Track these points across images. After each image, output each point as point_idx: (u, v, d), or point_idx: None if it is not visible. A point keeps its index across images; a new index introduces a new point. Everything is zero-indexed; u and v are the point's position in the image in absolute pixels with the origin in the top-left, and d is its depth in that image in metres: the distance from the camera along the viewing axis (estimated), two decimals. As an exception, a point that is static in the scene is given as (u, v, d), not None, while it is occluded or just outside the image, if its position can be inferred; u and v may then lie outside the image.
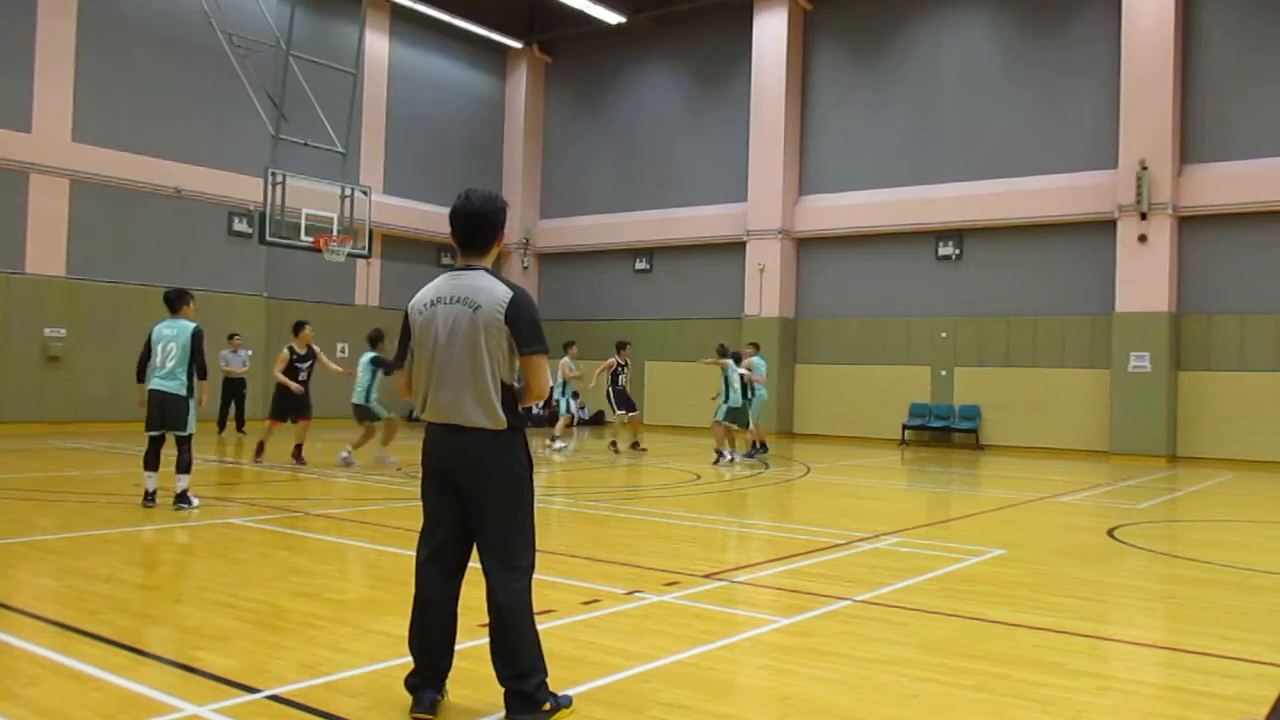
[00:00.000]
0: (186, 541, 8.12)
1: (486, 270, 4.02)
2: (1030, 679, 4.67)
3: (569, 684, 4.35)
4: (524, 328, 3.89)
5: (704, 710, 4.10)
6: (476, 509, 3.95)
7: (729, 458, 15.99)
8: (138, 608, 5.69)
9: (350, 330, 23.09)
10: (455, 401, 3.91)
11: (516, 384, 3.98)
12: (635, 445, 18.27)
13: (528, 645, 3.93)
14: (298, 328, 14.35)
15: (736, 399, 15.90)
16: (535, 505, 4.08)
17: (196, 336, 9.26)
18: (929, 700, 4.34)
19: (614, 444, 17.67)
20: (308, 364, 14.18)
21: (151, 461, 9.33)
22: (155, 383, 9.20)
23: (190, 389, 9.28)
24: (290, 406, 13.99)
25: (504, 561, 3.94)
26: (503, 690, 3.95)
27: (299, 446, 13.91)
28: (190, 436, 9.34)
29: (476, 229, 4.02)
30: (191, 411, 9.34)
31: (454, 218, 4.02)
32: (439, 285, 4.02)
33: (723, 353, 16.29)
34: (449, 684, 4.11)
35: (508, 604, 3.91)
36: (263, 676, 4.36)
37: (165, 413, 9.17)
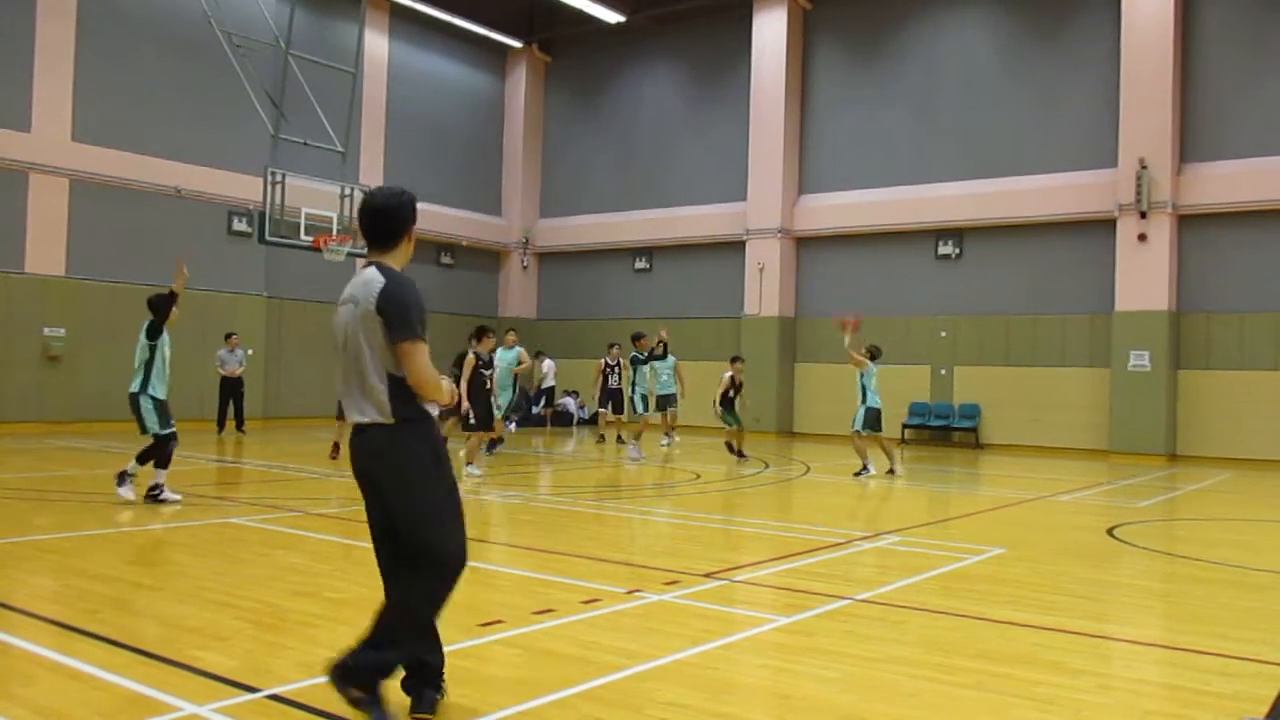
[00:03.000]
0: (186, 541, 8.12)
1: (380, 265, 3.96)
2: (1030, 678, 4.66)
3: (569, 683, 4.35)
4: (393, 316, 3.78)
5: (704, 709, 4.10)
6: (384, 506, 3.90)
7: (871, 470, 14.24)
8: (138, 607, 5.69)
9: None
10: (351, 399, 3.88)
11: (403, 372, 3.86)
12: (620, 440, 18.19)
13: (411, 639, 3.84)
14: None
15: (875, 401, 14.43)
16: (457, 499, 3.94)
17: (148, 325, 9.35)
18: (929, 699, 4.34)
19: (601, 437, 17.84)
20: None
21: (160, 460, 9.55)
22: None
23: (144, 384, 9.34)
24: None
25: (411, 559, 3.86)
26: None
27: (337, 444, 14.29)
28: (160, 436, 9.36)
29: (380, 224, 3.99)
30: (144, 409, 9.34)
31: (359, 213, 4.02)
32: (349, 285, 4.00)
33: (874, 354, 14.78)
34: (447, 683, 4.07)
35: (397, 601, 3.87)
36: (263, 676, 4.36)
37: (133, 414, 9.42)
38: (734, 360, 17.08)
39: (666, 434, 18.49)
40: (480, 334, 13.24)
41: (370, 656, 3.79)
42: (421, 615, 3.87)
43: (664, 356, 17.68)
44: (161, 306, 9.38)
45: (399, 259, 4.06)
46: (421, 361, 3.80)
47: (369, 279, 3.90)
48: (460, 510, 3.96)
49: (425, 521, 3.84)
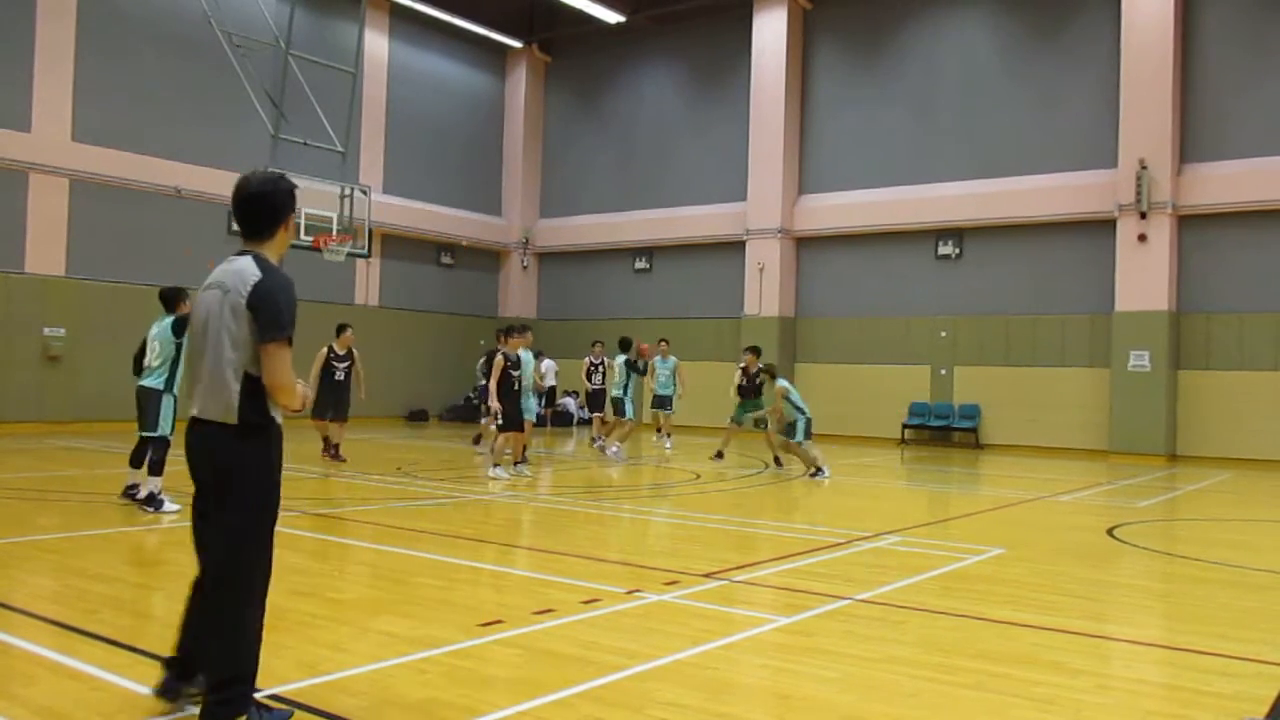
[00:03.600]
0: (186, 541, 8.10)
1: (254, 254, 3.76)
2: (1030, 678, 4.66)
3: (569, 683, 4.35)
4: (264, 314, 3.58)
5: (704, 709, 4.10)
6: (209, 506, 3.73)
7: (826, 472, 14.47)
8: (138, 607, 5.70)
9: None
10: (199, 392, 3.71)
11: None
12: (594, 441, 17.61)
13: (226, 648, 3.62)
14: (340, 329, 14.46)
15: (807, 409, 14.68)
16: (274, 519, 3.79)
17: (175, 321, 9.06)
18: (928, 699, 4.34)
19: (595, 439, 17.46)
20: (345, 365, 14.24)
21: (136, 459, 9.32)
22: (146, 379, 9.17)
23: (170, 382, 9.13)
24: (328, 404, 13.95)
25: (225, 560, 3.68)
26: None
27: (336, 446, 14.09)
28: (160, 439, 9.05)
29: (254, 212, 3.80)
30: (163, 409, 9.08)
31: (232, 200, 3.82)
32: (215, 270, 3.82)
33: (772, 373, 15.28)
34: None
35: (216, 601, 3.68)
36: (263, 676, 4.33)
37: (140, 409, 9.12)
38: (748, 351, 16.81)
39: (666, 435, 18.36)
40: (509, 333, 13.32)
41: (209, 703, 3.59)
42: (229, 624, 3.65)
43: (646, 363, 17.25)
44: (179, 299, 9.22)
45: (274, 249, 3.85)
46: (282, 365, 3.62)
47: (242, 269, 3.69)
48: (272, 534, 3.79)
49: (246, 533, 3.69)
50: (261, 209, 3.81)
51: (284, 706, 3.86)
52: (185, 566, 7.08)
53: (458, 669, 4.56)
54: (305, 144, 17.89)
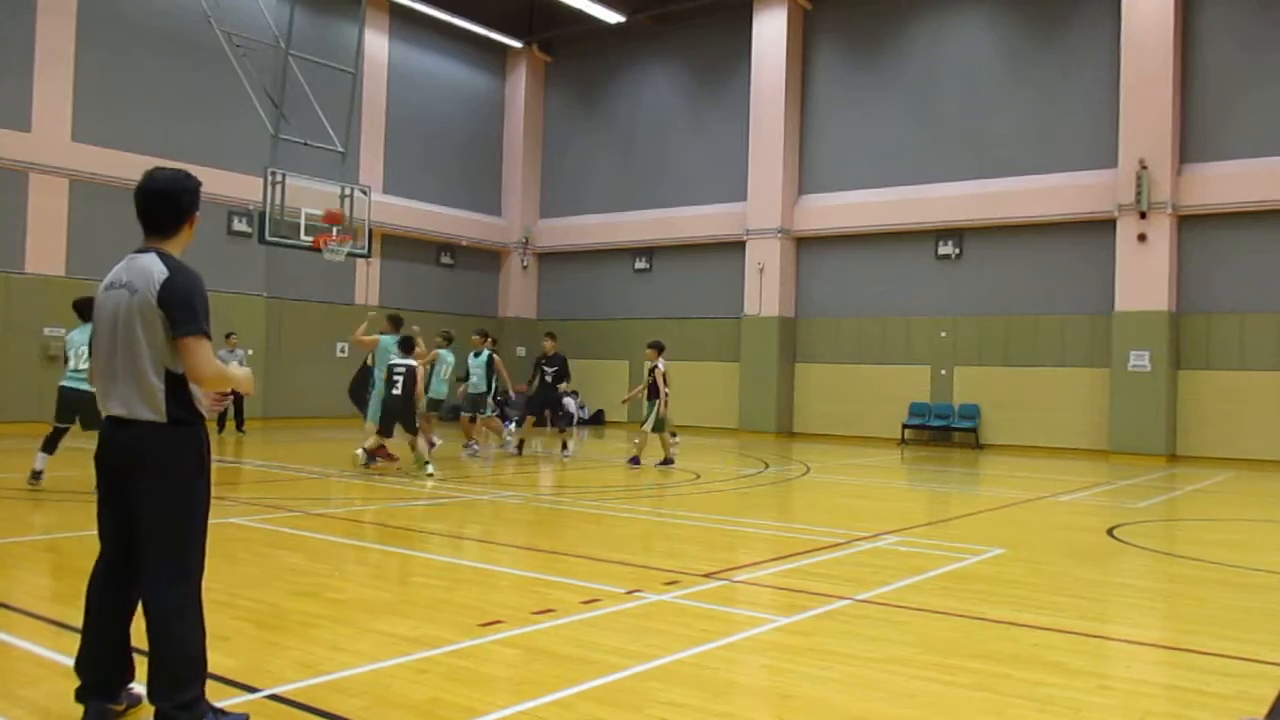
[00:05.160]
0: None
1: (159, 252, 3.69)
2: (1030, 678, 4.66)
3: (569, 683, 4.35)
4: (176, 309, 3.56)
5: (704, 709, 4.10)
6: (136, 507, 3.66)
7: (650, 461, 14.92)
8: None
9: (349, 330, 23.06)
10: (117, 392, 3.65)
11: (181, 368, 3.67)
12: (521, 446, 16.70)
13: (176, 658, 3.58)
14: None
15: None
16: (208, 508, 3.77)
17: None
18: (928, 699, 4.34)
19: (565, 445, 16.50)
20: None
21: (50, 446, 10.19)
22: (72, 381, 9.98)
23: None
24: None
25: (158, 563, 3.62)
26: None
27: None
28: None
29: (158, 208, 3.74)
30: None
31: (135, 195, 3.75)
32: (114, 269, 3.78)
33: (450, 339, 15.67)
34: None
35: (156, 610, 3.60)
36: (262, 676, 4.36)
37: (83, 410, 9.67)
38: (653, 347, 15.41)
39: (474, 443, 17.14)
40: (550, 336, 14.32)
41: (165, 710, 3.53)
42: (184, 620, 3.63)
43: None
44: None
45: (177, 246, 3.79)
46: (204, 356, 3.59)
47: (148, 266, 3.63)
48: (206, 531, 3.77)
49: (182, 531, 3.65)
50: (170, 205, 3.75)
51: (240, 712, 3.80)
52: (185, 566, 7.10)
53: (457, 669, 4.55)
54: (305, 144, 17.89)
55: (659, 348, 15.34)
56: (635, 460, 14.96)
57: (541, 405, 17.00)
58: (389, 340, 13.87)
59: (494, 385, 16.11)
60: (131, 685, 3.85)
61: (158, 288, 3.57)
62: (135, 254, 3.73)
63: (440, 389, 15.58)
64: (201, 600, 3.72)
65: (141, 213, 3.75)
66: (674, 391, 17.73)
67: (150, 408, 3.61)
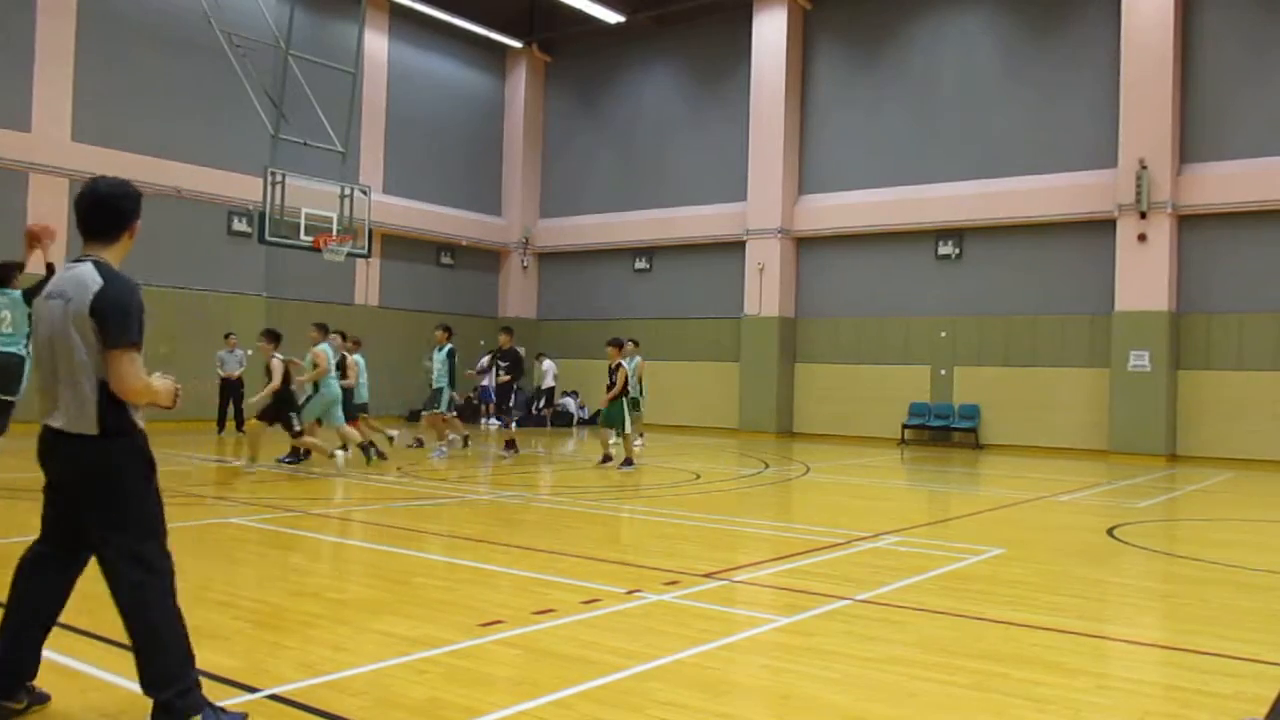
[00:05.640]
0: (185, 541, 8.11)
1: (95, 261, 3.65)
2: (1029, 678, 4.67)
3: (569, 683, 4.35)
4: (110, 321, 3.52)
5: (704, 709, 4.10)
6: (81, 518, 3.67)
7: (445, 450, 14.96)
8: (137, 607, 5.68)
9: (349, 330, 23.02)
10: (55, 404, 3.64)
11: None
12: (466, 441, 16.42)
13: (159, 651, 3.61)
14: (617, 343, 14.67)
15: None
16: (162, 507, 3.76)
17: (26, 296, 9.68)
18: (928, 699, 4.34)
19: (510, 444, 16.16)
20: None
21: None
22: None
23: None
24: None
25: (118, 562, 3.64)
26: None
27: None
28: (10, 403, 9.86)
29: (102, 215, 3.73)
30: (27, 373, 9.77)
31: (77, 203, 3.73)
32: (54, 278, 3.76)
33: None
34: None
35: (130, 606, 3.63)
36: (262, 676, 4.36)
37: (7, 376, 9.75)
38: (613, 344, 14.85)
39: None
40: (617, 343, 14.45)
41: (163, 699, 3.56)
42: (159, 612, 3.65)
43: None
44: (9, 274, 10.34)
45: (116, 255, 3.76)
46: (132, 370, 3.55)
47: (83, 276, 3.59)
48: (165, 528, 3.77)
49: (137, 534, 3.65)
50: (110, 214, 3.75)
51: (239, 711, 3.81)
52: (185, 566, 7.08)
53: (457, 669, 4.56)
54: (305, 144, 17.90)
55: (618, 344, 14.74)
56: (628, 462, 14.50)
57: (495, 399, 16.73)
58: (324, 346, 13.65)
59: (455, 381, 15.60)
60: (32, 685, 3.84)
61: (91, 298, 3.54)
62: (72, 263, 3.72)
63: (362, 393, 15.54)
64: (174, 588, 3.73)
65: (83, 220, 3.74)
66: (673, 391, 17.76)
67: (85, 421, 3.60)
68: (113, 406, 3.61)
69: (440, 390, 15.44)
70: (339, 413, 13.64)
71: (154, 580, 3.67)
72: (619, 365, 14.54)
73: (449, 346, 15.54)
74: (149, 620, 3.63)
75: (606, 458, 14.73)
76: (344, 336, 15.69)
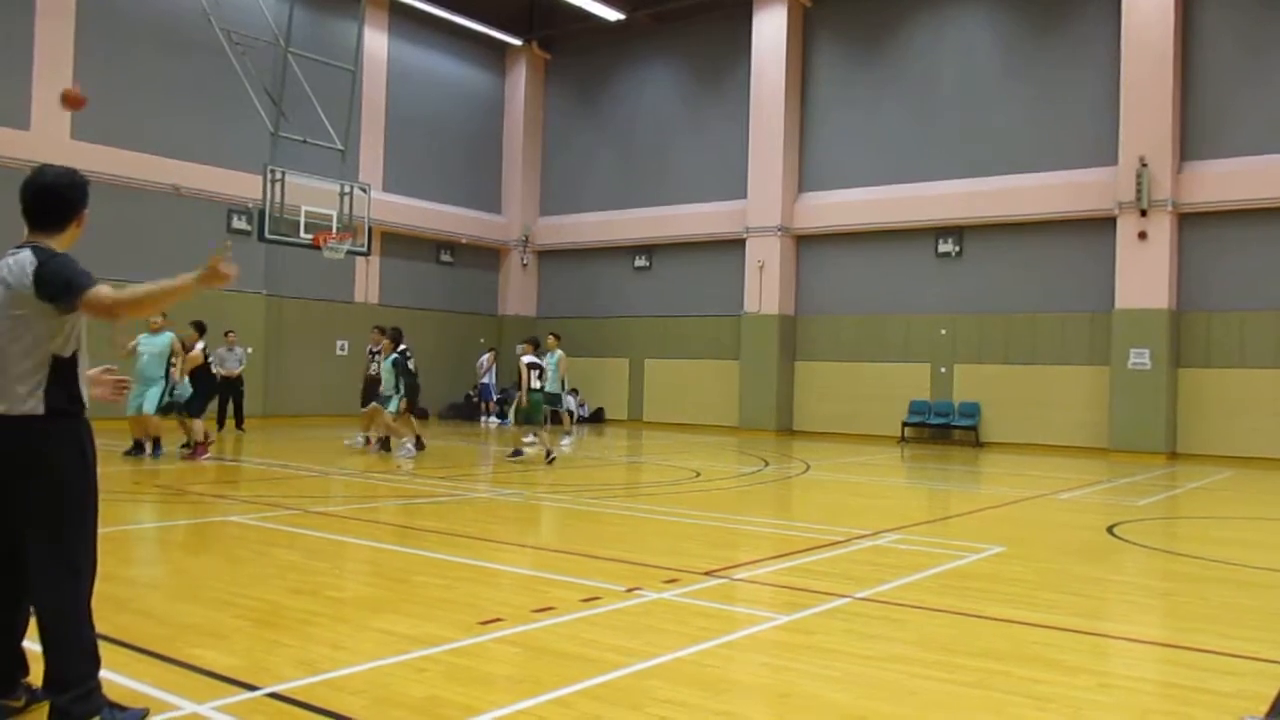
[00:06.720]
0: (185, 539, 8.12)
1: (35, 246, 3.64)
2: (1029, 676, 4.66)
3: (568, 681, 4.35)
4: (57, 287, 3.51)
5: (703, 707, 4.10)
6: (20, 504, 3.57)
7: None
8: (136, 606, 5.68)
9: (349, 328, 23.10)
10: None
11: (70, 350, 3.68)
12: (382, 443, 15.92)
13: (68, 653, 3.55)
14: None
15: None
16: (96, 504, 3.70)
17: None
18: (928, 697, 4.34)
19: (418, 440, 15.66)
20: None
21: None
22: None
23: None
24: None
25: (46, 564, 3.56)
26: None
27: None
28: None
29: (48, 204, 3.73)
30: None
31: (23, 190, 3.71)
32: None
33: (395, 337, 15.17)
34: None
35: (47, 610, 3.57)
36: (262, 674, 4.35)
37: None
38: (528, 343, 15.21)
39: (565, 434, 18.22)
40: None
41: (60, 704, 3.50)
42: (76, 616, 3.60)
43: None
44: None
45: (61, 243, 3.75)
46: (106, 296, 3.57)
47: (21, 261, 3.58)
48: (95, 522, 3.70)
49: (70, 525, 3.58)
50: (57, 203, 3.74)
51: (139, 707, 3.75)
52: (184, 565, 7.11)
53: (457, 667, 4.55)
54: (305, 142, 17.89)
55: (534, 342, 15.21)
56: (549, 454, 14.50)
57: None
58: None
59: (400, 385, 14.98)
60: (28, 681, 3.84)
61: (31, 279, 3.52)
62: (14, 249, 3.69)
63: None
64: (91, 595, 3.68)
65: (29, 209, 3.72)
66: (673, 388, 17.79)
67: (26, 400, 3.55)
68: (62, 382, 3.61)
69: (387, 397, 15.00)
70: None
71: (76, 585, 3.61)
72: (532, 362, 14.78)
73: (394, 356, 15.01)
74: (63, 622, 3.58)
75: (517, 451, 15.15)
76: (382, 331, 15.86)
